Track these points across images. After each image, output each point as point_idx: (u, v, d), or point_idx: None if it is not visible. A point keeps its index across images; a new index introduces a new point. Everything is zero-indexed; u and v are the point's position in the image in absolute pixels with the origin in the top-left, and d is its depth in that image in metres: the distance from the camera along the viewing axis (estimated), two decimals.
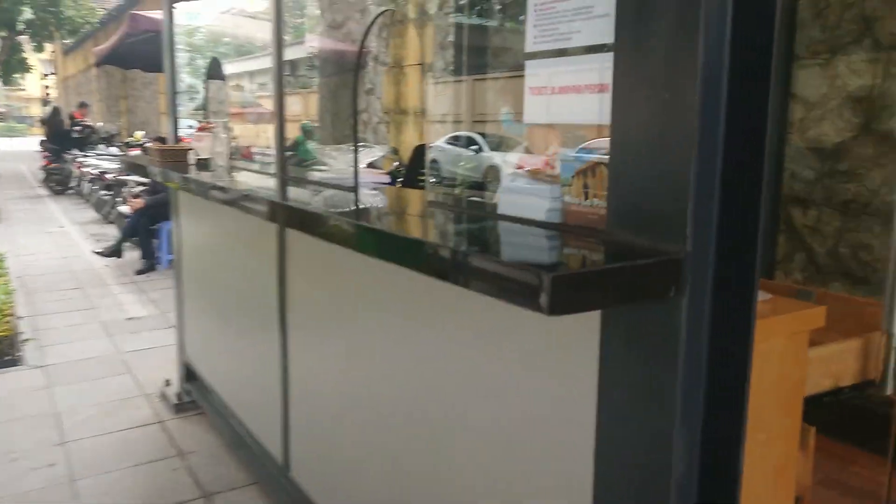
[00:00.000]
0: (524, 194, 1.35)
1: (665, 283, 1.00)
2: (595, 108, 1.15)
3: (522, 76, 1.31)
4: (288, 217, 1.84)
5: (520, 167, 2.49)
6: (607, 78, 1.11)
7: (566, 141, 1.33)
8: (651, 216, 1.05)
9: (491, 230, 1.42)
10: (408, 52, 6.19)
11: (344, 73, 7.09)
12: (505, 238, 1.35)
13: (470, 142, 5.77)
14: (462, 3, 5.60)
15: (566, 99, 1.20)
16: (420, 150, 3.83)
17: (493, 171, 5.79)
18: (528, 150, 2.50)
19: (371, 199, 1.90)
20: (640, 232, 1.07)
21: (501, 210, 1.41)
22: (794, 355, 1.44)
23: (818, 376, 1.57)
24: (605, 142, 1.29)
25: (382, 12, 6.19)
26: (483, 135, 5.33)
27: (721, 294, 1.05)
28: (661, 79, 1.02)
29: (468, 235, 1.44)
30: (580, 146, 1.29)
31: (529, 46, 1.27)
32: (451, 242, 1.26)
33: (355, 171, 1.99)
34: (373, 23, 5.35)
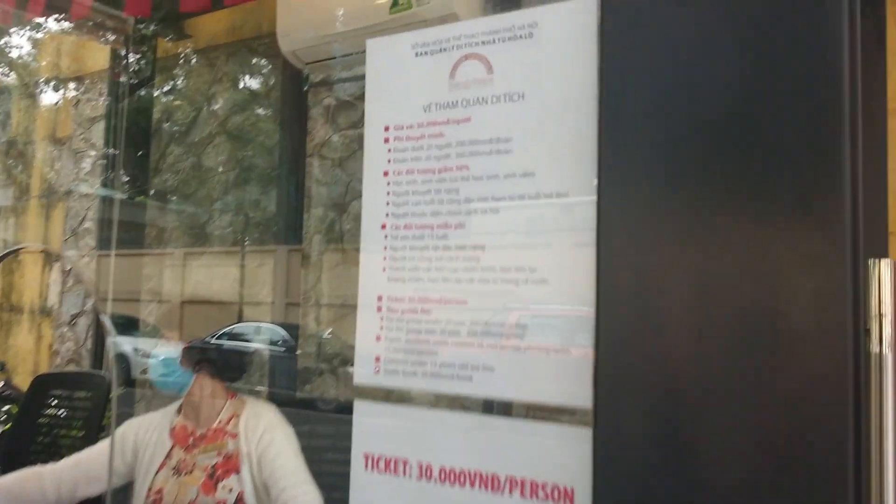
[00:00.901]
0: None
1: None
2: None
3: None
4: None
5: (177, 435, 1.70)
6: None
7: None
8: None
9: None
10: (26, 235, 4.92)
11: None
12: None
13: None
14: (110, 178, 4.69)
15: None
16: (41, 383, 2.71)
17: (122, 361, 4.59)
18: (189, 408, 1.75)
19: None
20: None
21: None
22: None
23: None
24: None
25: (19, 249, 4.95)
26: (122, 318, 4.27)
27: None
28: None
29: None
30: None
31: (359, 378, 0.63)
32: None
33: None
34: (5, 257, 4.23)
